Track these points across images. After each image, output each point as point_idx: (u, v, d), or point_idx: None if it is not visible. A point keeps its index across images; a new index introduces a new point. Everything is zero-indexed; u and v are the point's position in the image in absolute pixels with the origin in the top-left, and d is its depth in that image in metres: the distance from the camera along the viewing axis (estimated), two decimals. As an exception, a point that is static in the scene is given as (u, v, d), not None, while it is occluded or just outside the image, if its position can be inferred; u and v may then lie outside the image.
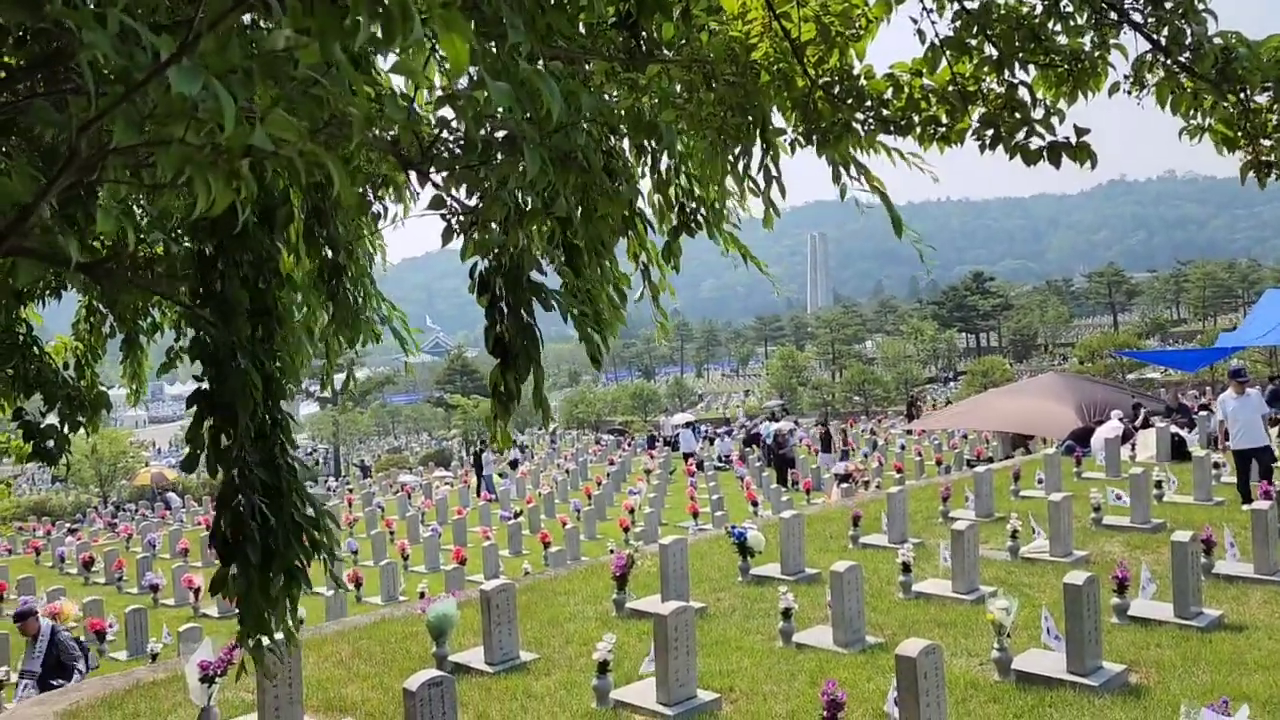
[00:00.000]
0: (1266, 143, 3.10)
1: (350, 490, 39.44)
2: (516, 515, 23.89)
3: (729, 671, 8.28)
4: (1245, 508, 12.13)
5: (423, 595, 13.41)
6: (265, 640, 3.38)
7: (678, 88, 3.46)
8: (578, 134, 2.46)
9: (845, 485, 23.26)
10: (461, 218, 2.62)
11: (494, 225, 2.60)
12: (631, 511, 21.12)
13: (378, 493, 37.38)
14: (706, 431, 45.18)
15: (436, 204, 2.56)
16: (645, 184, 4.32)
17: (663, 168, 3.84)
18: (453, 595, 11.11)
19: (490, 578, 13.91)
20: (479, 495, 30.09)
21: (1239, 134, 3.11)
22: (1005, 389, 33.53)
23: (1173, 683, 7.48)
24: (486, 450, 37.44)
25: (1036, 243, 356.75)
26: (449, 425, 73.34)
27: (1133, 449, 19.85)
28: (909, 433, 37.74)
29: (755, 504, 22.01)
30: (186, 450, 3.44)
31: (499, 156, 2.36)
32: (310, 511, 3.48)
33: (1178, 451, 18.60)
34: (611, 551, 13.63)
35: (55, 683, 9.73)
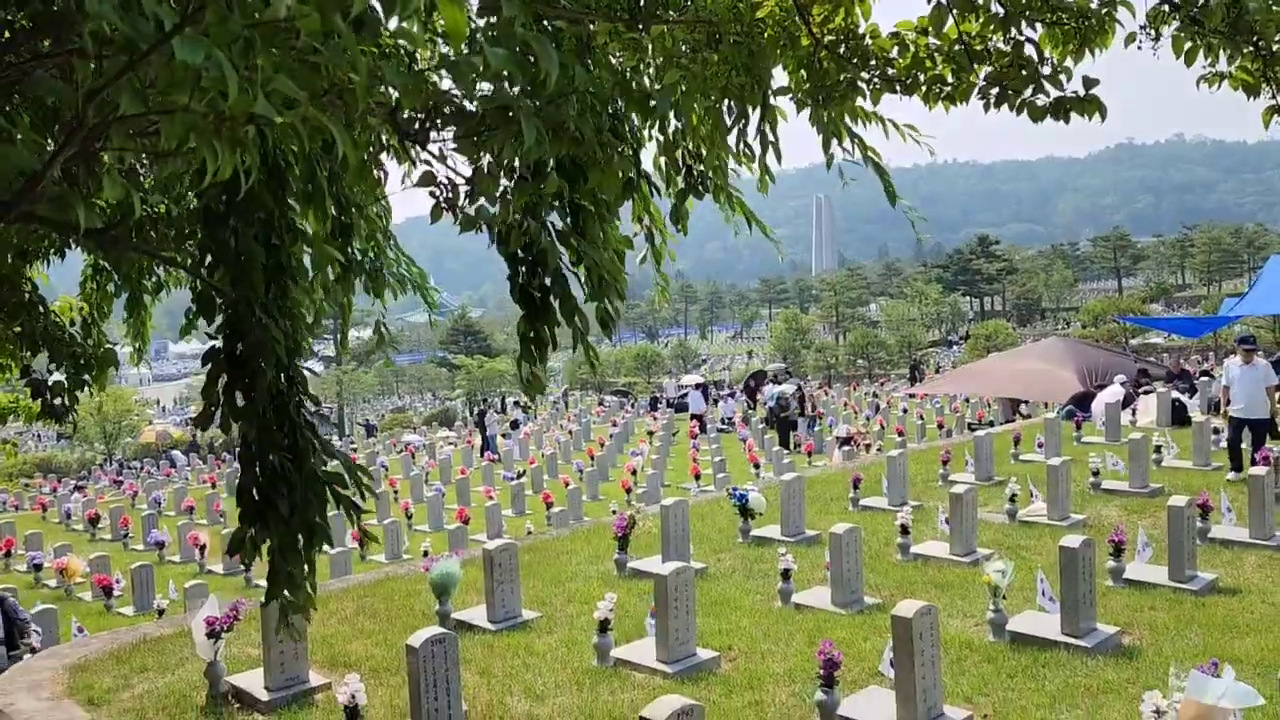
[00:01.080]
0: (1283, 87, 3.10)
1: (355, 450, 39.63)
2: (519, 475, 24.04)
3: (728, 630, 8.39)
4: (1231, 476, 12.08)
5: (426, 554, 13.54)
6: (290, 598, 3.42)
7: (683, 48, 3.45)
8: (569, 105, 2.46)
9: (847, 448, 23.37)
10: (450, 194, 2.63)
11: (484, 201, 2.61)
12: (634, 473, 21.25)
13: (382, 452, 37.56)
14: (714, 394, 45.26)
15: (426, 180, 2.57)
16: (652, 147, 4.33)
17: (670, 131, 3.83)
18: (456, 554, 11.23)
19: (493, 537, 14.02)
20: (482, 455, 30.24)
21: (1261, 79, 3.10)
22: (1008, 353, 33.51)
23: (1165, 645, 7.57)
24: (490, 411, 37.63)
25: (1043, 206, 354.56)
26: (453, 385, 73.52)
27: (1133, 414, 19.89)
28: (911, 396, 37.79)
29: (757, 466, 22.12)
30: (193, 408, 3.47)
31: (493, 129, 2.37)
32: (331, 466, 3.51)
33: (1178, 417, 18.65)
34: (614, 512, 13.73)
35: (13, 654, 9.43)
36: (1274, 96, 3.16)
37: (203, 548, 16.20)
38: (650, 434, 30.91)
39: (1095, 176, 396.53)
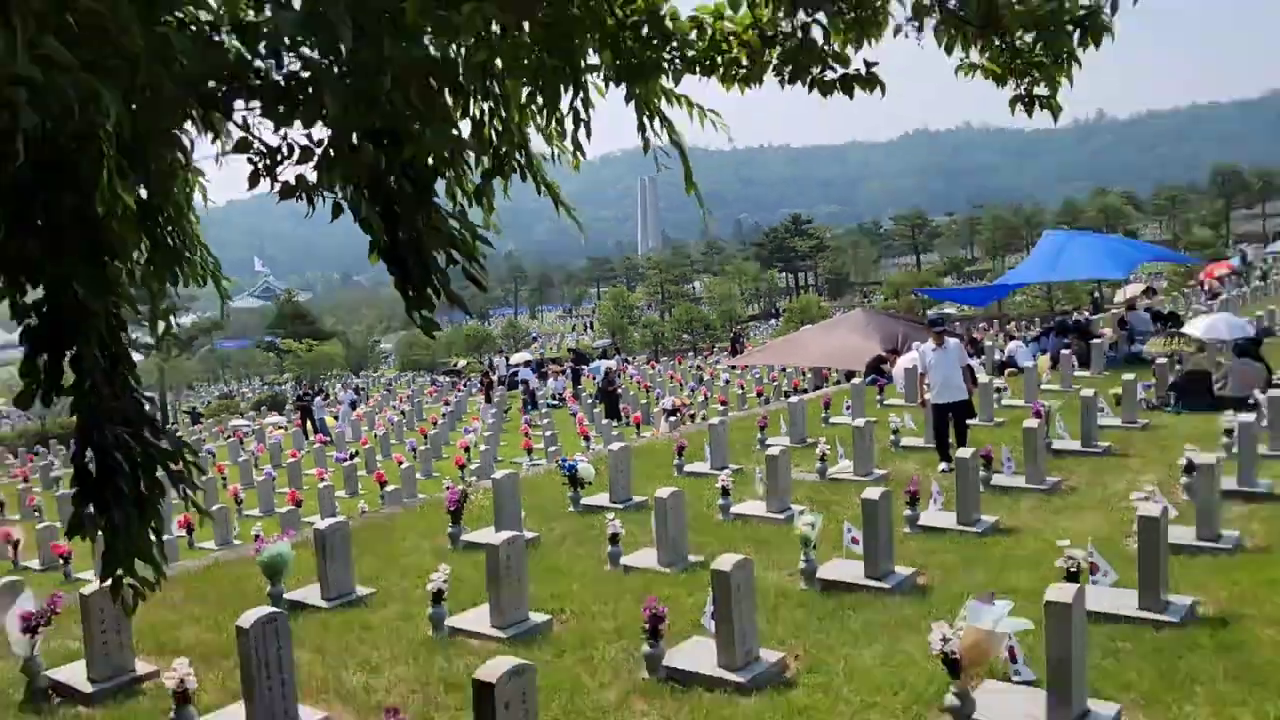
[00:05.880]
0: (1028, 79, 3.37)
1: (180, 437, 37.59)
2: (352, 456, 23.37)
3: (560, 595, 8.48)
4: (943, 468, 12.11)
5: (258, 538, 13.01)
6: (127, 578, 3.24)
7: (494, 27, 3.42)
8: (383, 78, 2.43)
9: (673, 418, 23.85)
10: (269, 161, 2.55)
11: (300, 171, 2.54)
12: (467, 450, 21.00)
13: (208, 439, 35.77)
14: (546, 370, 45.18)
15: (242, 146, 2.49)
16: (466, 125, 4.28)
17: (481, 108, 3.79)
18: (287, 536, 10.85)
19: (327, 518, 13.62)
20: (309, 438, 29.24)
21: (1007, 71, 3.36)
22: (819, 325, 34.84)
23: (954, 582, 8.14)
24: (314, 396, 36.49)
25: (851, 189, 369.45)
26: (281, 370, 70.64)
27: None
28: (733, 368, 38.82)
29: (587, 438, 22.26)
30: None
31: (299, 100, 2.31)
32: (165, 444, 3.35)
33: (971, 377, 19.85)
34: (447, 488, 13.57)
35: None
36: (1018, 87, 3.43)
37: (16, 544, 15.05)
38: (482, 409, 30.54)
39: (896, 160, 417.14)
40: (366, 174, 3.08)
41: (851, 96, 3.32)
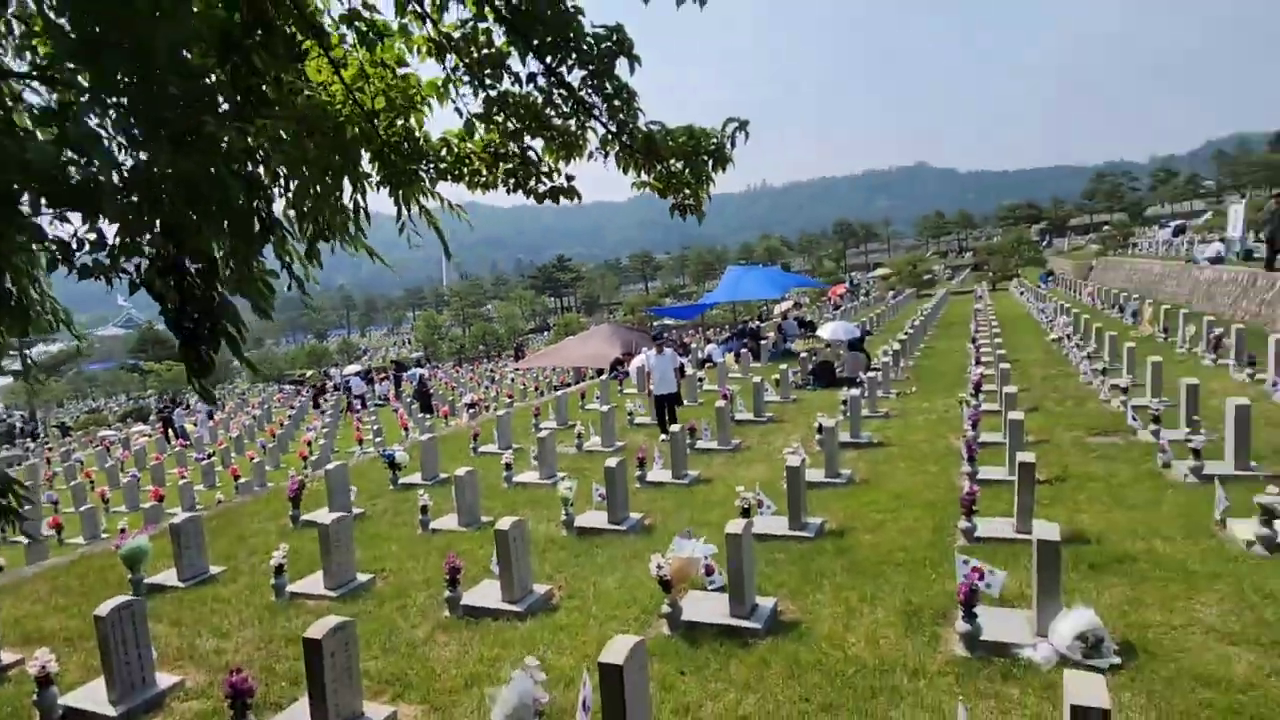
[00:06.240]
0: (681, 194, 3.53)
1: (49, 449, 32.48)
2: (210, 456, 21.09)
3: (381, 557, 8.04)
4: (663, 437, 12.20)
5: (123, 532, 11.46)
6: None
7: (283, 135, 3.19)
8: (170, 184, 2.20)
9: (472, 410, 23.26)
10: (58, 253, 2.24)
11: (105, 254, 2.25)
12: (309, 444, 19.50)
13: (77, 448, 31.13)
14: (373, 377, 42.71)
15: (37, 236, 2.16)
16: (281, 203, 3.97)
17: (288, 194, 3.54)
18: (148, 529, 9.67)
19: (187, 510, 12.20)
20: (171, 443, 26.13)
21: (667, 187, 3.51)
22: (578, 336, 35.09)
23: (670, 521, 8.35)
24: (174, 408, 32.68)
25: (598, 235, 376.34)
26: (145, 387, 62.58)
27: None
28: (516, 370, 38.40)
29: (407, 429, 21.27)
30: None
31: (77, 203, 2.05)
32: None
33: (681, 373, 20.70)
34: (293, 477, 12.52)
35: None
36: (675, 198, 3.59)
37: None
38: (322, 412, 28.44)
39: (628, 215, 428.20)
40: (157, 259, 2.78)
41: (556, 203, 3.36)
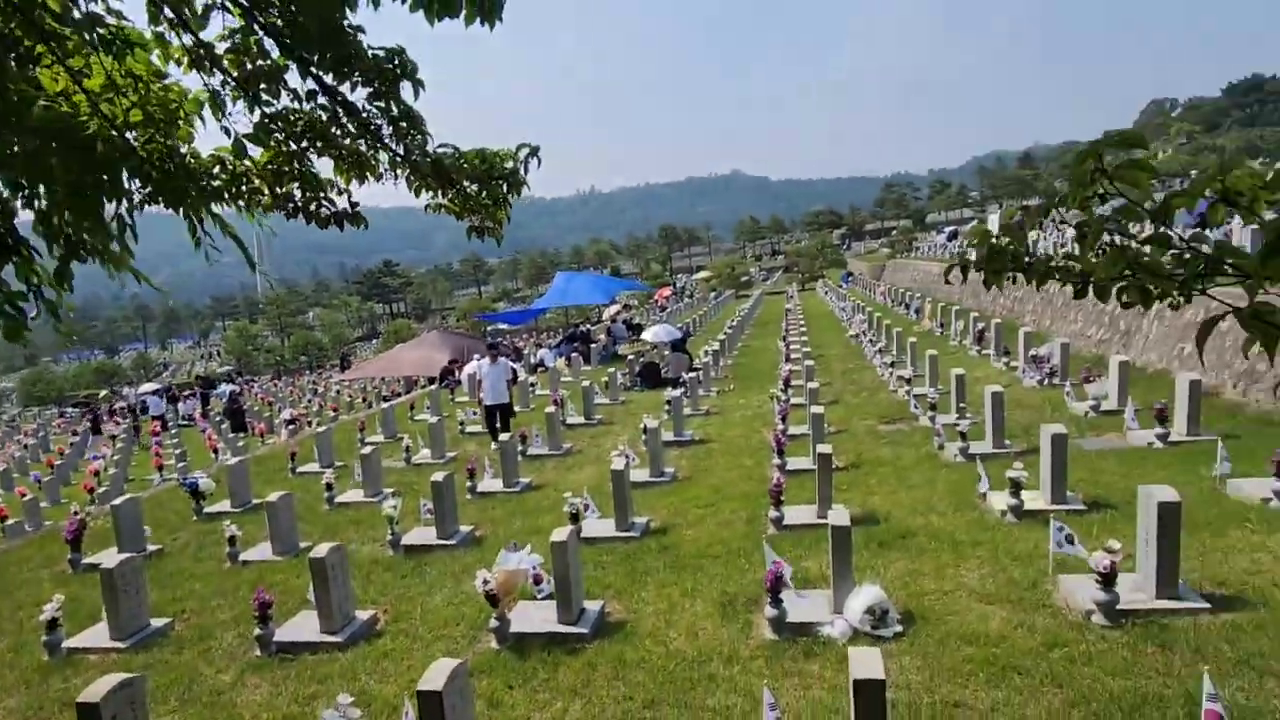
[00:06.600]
0: (477, 216, 3.48)
1: None
2: (-32, 496, 18.11)
3: (182, 597, 7.29)
4: (494, 446, 11.98)
5: None
6: None
7: (17, 148, 2.82)
8: None
9: (292, 426, 21.63)
10: None
11: None
12: (97, 474, 17.26)
13: None
14: (175, 395, 38.58)
15: None
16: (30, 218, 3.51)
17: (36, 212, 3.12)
18: (-120, 592, 8.12)
19: (-66, 563, 10.38)
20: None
21: (464, 209, 3.44)
22: (408, 343, 33.75)
23: (503, 530, 8.22)
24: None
25: (426, 238, 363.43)
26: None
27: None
28: (343, 381, 36.25)
29: (216, 452, 19.41)
30: None
31: None
32: None
33: (514, 380, 20.42)
34: (74, 513, 11.02)
35: None
36: (473, 220, 3.53)
37: None
38: (113, 438, 25.31)
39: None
40: None
41: (342, 228, 3.20)
